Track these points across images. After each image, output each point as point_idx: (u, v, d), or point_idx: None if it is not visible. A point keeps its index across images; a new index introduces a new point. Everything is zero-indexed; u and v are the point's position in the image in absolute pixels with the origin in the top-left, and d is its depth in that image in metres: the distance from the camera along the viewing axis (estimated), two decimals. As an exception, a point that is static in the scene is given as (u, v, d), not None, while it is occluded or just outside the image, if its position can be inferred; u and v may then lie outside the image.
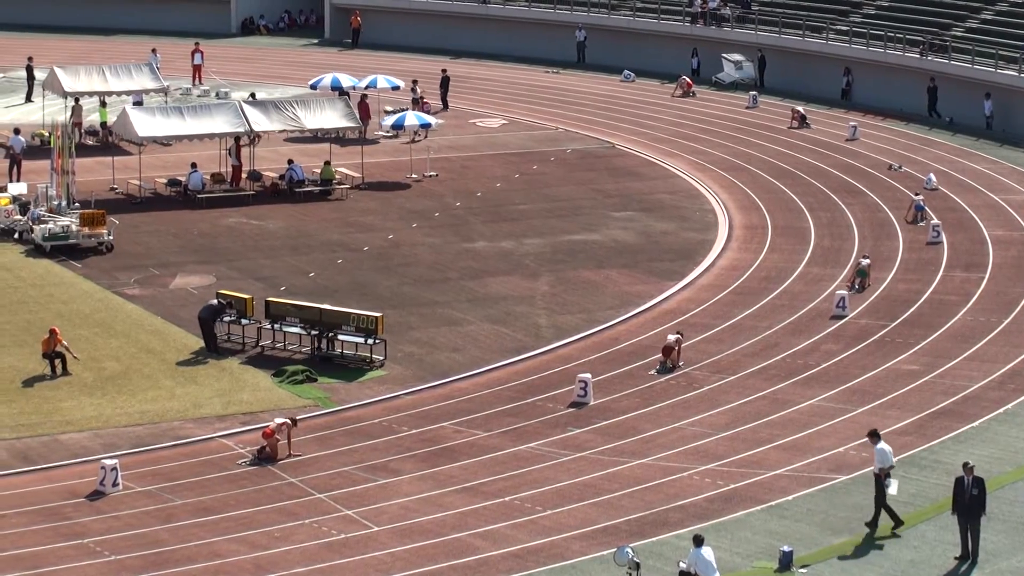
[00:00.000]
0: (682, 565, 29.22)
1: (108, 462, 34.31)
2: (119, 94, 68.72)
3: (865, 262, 50.07)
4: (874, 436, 32.98)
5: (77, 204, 55.00)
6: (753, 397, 39.96)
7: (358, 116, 65.40)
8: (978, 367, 41.99)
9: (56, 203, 54.41)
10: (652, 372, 41.97)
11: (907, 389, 40.43)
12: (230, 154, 61.30)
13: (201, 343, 43.24)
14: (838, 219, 57.77)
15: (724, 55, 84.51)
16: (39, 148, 63.42)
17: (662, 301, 48.32)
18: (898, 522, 32.19)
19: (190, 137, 60.38)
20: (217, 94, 77.62)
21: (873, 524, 32.29)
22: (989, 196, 60.93)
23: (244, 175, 61.08)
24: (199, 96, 78.23)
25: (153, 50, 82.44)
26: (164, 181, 60.10)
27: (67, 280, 49.40)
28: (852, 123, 72.68)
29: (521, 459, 36.01)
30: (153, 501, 33.63)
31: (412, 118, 67.04)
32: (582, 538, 31.85)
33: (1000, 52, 73.00)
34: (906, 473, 34.41)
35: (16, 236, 53.62)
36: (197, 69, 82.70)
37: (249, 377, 41.37)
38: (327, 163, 61.49)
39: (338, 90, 72.50)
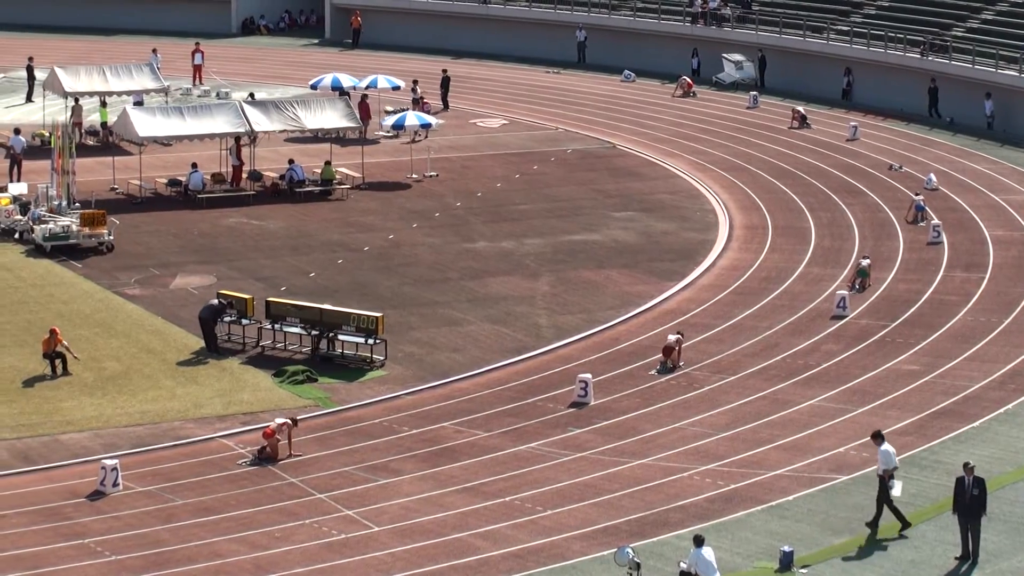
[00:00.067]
0: (683, 565, 29.22)
1: (108, 462, 34.31)
2: (119, 94, 68.75)
3: (865, 262, 50.07)
4: (878, 438, 32.96)
5: (77, 204, 55.01)
6: (753, 397, 39.96)
7: (358, 116, 65.44)
8: (978, 367, 41.99)
9: (56, 203, 54.42)
10: (652, 372, 41.97)
11: (907, 389, 40.43)
12: (231, 154, 61.31)
13: (202, 343, 43.24)
14: (838, 219, 57.77)
15: (724, 55, 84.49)
16: (39, 148, 63.44)
17: (662, 301, 48.31)
18: (905, 524, 32.15)
19: (190, 137, 60.39)
20: (218, 94, 77.64)
21: (874, 524, 32.28)
22: (989, 196, 60.93)
23: (244, 175, 61.10)
24: (199, 96, 78.22)
25: (154, 50, 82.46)
26: (164, 181, 60.11)
27: (67, 280, 49.40)
28: (853, 123, 72.68)
29: (521, 459, 36.01)
30: (153, 501, 33.62)
31: (412, 118, 67.05)
32: (582, 538, 31.85)
33: (1001, 52, 72.99)
34: (907, 473, 34.38)
35: (17, 236, 53.63)
36: (197, 69, 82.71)
37: (249, 377, 41.38)
38: (327, 163, 61.50)
39: (338, 90, 72.51)
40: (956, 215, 58.06)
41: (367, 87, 72.96)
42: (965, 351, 43.26)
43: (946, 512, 32.01)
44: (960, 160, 67.01)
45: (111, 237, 52.66)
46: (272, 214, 57.52)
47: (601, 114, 76.49)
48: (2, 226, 54.26)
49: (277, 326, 43.34)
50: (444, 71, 79.64)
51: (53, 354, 40.95)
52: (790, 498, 33.87)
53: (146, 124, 59.44)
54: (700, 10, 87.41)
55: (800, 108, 74.87)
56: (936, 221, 55.92)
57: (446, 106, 77.44)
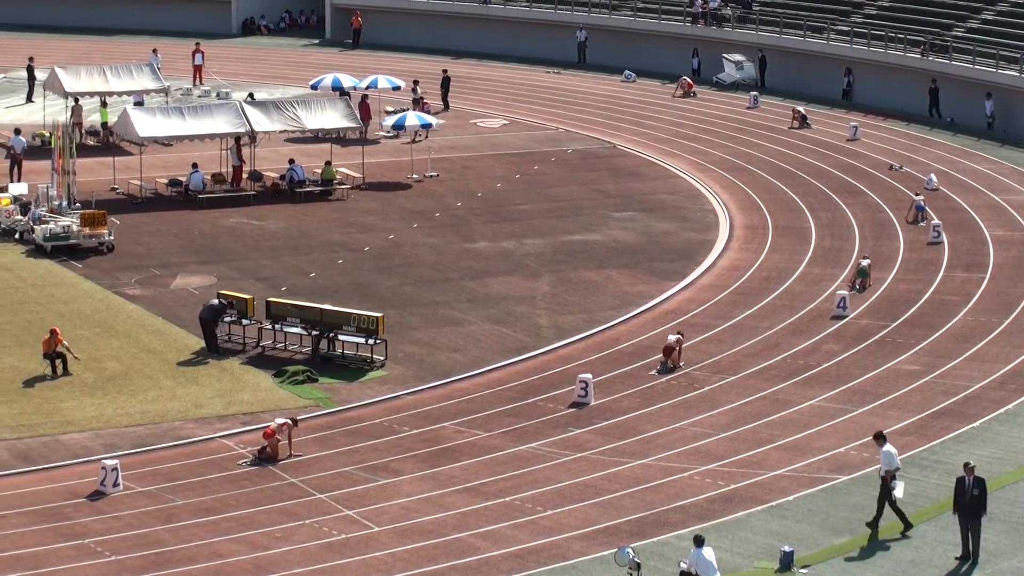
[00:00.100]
0: (683, 565, 29.22)
1: (109, 462, 34.31)
2: (120, 94, 68.77)
3: (865, 262, 50.07)
4: (880, 438, 32.95)
5: (78, 204, 55.01)
6: (754, 397, 39.96)
7: (359, 116, 65.45)
8: (979, 367, 41.99)
9: (57, 203, 54.43)
10: (653, 372, 41.97)
11: (908, 389, 40.43)
12: (231, 154, 61.30)
13: (202, 343, 43.24)
14: (839, 219, 57.77)
15: (725, 55, 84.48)
16: (40, 148, 63.46)
17: (663, 301, 48.31)
18: (908, 525, 32.13)
19: (191, 137, 60.40)
20: (218, 94, 77.64)
21: (874, 524, 32.28)
22: (990, 196, 60.93)
23: (245, 175, 61.11)
24: (200, 96, 78.23)
25: (154, 50, 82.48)
26: (165, 181, 60.12)
27: (68, 280, 49.40)
28: (853, 123, 72.68)
29: (522, 459, 36.01)
30: (154, 501, 33.63)
31: (413, 118, 67.05)
32: (583, 538, 31.85)
33: (1001, 52, 72.99)
34: (907, 473, 34.36)
35: (17, 236, 53.64)
36: (198, 69, 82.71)
37: (250, 377, 41.38)
38: (328, 163, 61.51)
39: (339, 90, 72.52)
40: (956, 215, 58.07)
41: (367, 87, 72.98)
42: (965, 351, 43.26)
43: (946, 512, 32.02)
44: (960, 160, 67.02)
45: (111, 237, 52.66)
46: (272, 214, 57.53)
47: (601, 114, 76.49)
48: (3, 226, 54.27)
49: (277, 326, 43.34)
50: (444, 71, 79.65)
51: (53, 354, 40.96)
52: (790, 498, 33.87)
53: (146, 124, 59.45)
54: (700, 10, 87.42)
55: (800, 108, 74.88)
56: (936, 221, 55.93)
57: (446, 106, 77.44)
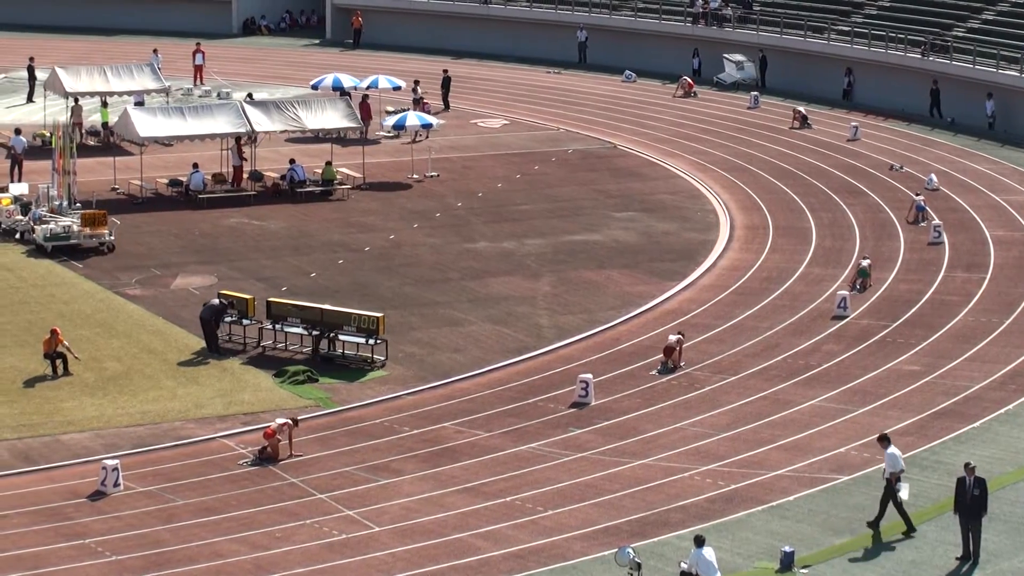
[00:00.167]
0: (683, 566, 29.22)
1: (109, 462, 34.32)
2: (120, 94, 68.79)
3: (866, 262, 50.07)
4: (884, 440, 32.90)
5: (78, 204, 55.02)
6: (754, 397, 39.96)
7: (359, 116, 65.46)
8: (979, 367, 41.99)
9: (57, 203, 54.44)
10: (653, 372, 41.97)
11: (908, 389, 40.43)
12: (232, 154, 61.29)
13: (202, 343, 43.25)
14: (839, 219, 57.77)
15: (725, 55, 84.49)
16: (40, 148, 63.48)
17: (663, 301, 48.31)
18: (911, 528, 32.09)
19: (191, 137, 60.40)
20: (219, 94, 77.66)
21: (876, 524, 32.27)
22: (990, 196, 60.93)
23: (245, 175, 61.11)
24: (200, 96, 78.24)
25: (154, 50, 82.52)
26: (165, 181, 60.12)
27: (68, 280, 49.41)
28: (853, 123, 72.69)
29: (522, 459, 36.01)
30: (154, 501, 33.63)
31: (413, 118, 67.06)
32: (583, 538, 31.85)
33: (1002, 52, 72.99)
34: (908, 473, 34.30)
35: (18, 236, 53.64)
36: (198, 69, 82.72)
37: (250, 377, 41.38)
38: (328, 163, 61.51)
39: (339, 90, 72.54)
40: (957, 215, 58.06)
41: (368, 87, 73.03)
42: (966, 351, 43.26)
43: (947, 512, 32.02)
44: (961, 160, 67.01)
45: (112, 237, 52.67)
46: (273, 214, 57.54)
47: (602, 114, 76.50)
48: (3, 226, 54.28)
49: (278, 326, 43.35)
50: (445, 71, 79.66)
51: (54, 354, 40.96)
52: (791, 498, 33.88)
53: (147, 124, 59.46)
54: (701, 10, 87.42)
55: (801, 108, 74.87)
56: (937, 221, 55.92)
57: (447, 106, 77.44)
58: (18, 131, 62.91)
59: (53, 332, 41.21)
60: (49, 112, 68.36)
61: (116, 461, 34.51)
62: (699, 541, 29.12)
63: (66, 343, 41.15)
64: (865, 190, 62.02)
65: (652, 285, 49.84)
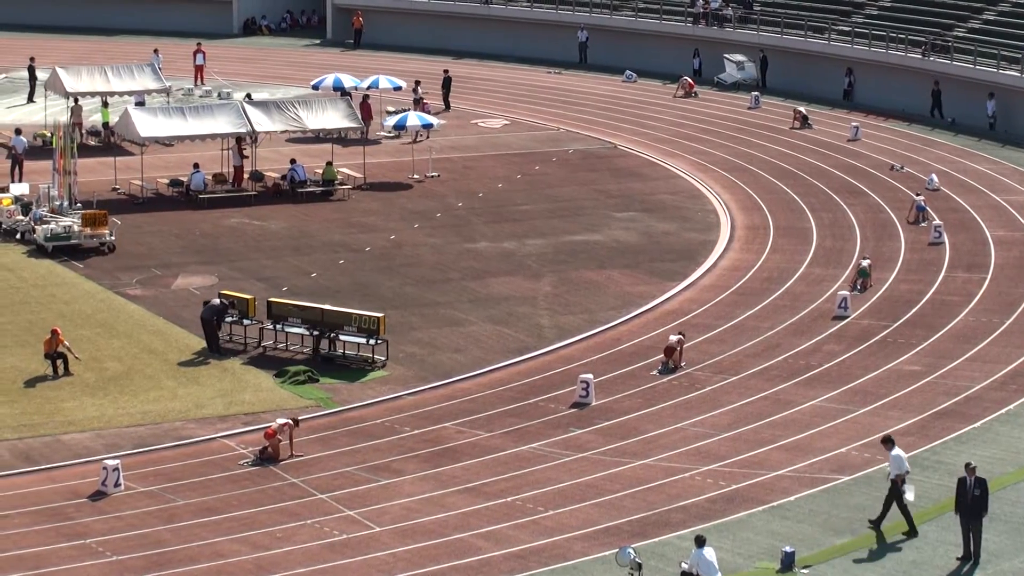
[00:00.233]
0: (684, 566, 29.22)
1: (110, 462, 34.32)
2: (121, 94, 68.82)
3: (866, 263, 50.07)
4: (888, 442, 32.86)
5: (79, 204, 55.02)
6: (755, 398, 39.96)
7: (360, 116, 65.47)
8: (980, 368, 41.99)
9: (58, 203, 54.44)
10: (654, 373, 41.97)
11: (909, 390, 40.43)
12: (233, 154, 61.28)
13: (203, 343, 43.25)
14: (840, 220, 57.77)
15: (726, 55, 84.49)
16: (41, 148, 63.49)
17: (664, 302, 48.32)
18: (913, 530, 32.06)
19: (192, 137, 60.41)
20: (219, 94, 77.67)
21: (877, 524, 32.27)
22: (991, 197, 60.93)
23: (246, 175, 61.12)
24: (201, 96, 78.25)
25: (155, 50, 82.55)
26: (166, 181, 60.12)
27: (69, 280, 49.41)
28: (854, 123, 72.69)
29: (523, 459, 36.01)
30: (155, 501, 33.63)
31: (414, 118, 67.07)
32: (584, 539, 31.85)
33: (1002, 52, 72.99)
34: (909, 474, 34.35)
35: (18, 236, 53.64)
36: (199, 69, 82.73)
37: (251, 377, 41.38)
38: (329, 163, 61.51)
39: (340, 90, 72.57)
40: (957, 215, 58.06)
41: (368, 87, 73.06)
42: (967, 351, 43.26)
43: (948, 512, 32.03)
44: (961, 160, 67.01)
45: (112, 237, 52.67)
46: (274, 214, 57.54)
47: (602, 114, 76.50)
48: (4, 226, 54.28)
49: (279, 326, 43.35)
50: (445, 71, 79.65)
51: (55, 354, 40.96)
52: (792, 498, 33.87)
53: (148, 124, 59.47)
54: (701, 10, 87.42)
55: (801, 108, 74.87)
56: (937, 221, 55.92)
57: (447, 106, 77.44)
58: (19, 131, 62.92)
59: (54, 332, 41.21)
60: (50, 112, 68.37)
61: (117, 461, 34.51)
62: (700, 541, 29.13)
63: (67, 343, 41.15)
64: (866, 190, 62.02)
65: (653, 285, 49.85)
